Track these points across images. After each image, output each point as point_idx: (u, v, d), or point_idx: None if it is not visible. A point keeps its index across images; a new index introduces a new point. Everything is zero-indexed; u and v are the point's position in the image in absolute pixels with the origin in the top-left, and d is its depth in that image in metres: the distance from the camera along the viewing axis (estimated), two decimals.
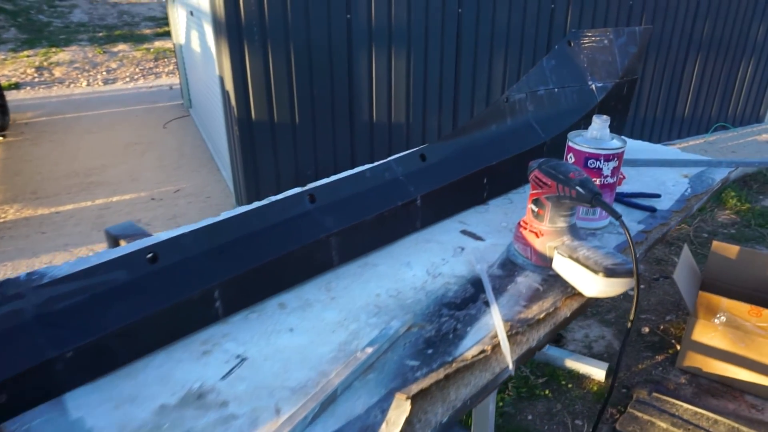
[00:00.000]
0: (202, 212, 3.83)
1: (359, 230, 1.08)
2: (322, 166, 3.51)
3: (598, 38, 1.56)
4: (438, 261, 1.09)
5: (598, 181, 1.17)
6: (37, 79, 7.97)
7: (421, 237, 1.19)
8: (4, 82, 7.58)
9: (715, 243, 2.51)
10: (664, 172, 1.58)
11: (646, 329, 2.68)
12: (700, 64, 4.78)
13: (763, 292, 2.37)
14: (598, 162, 1.15)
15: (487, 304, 0.95)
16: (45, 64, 8.36)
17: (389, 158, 1.19)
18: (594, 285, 0.91)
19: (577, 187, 0.94)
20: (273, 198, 1.15)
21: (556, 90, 1.48)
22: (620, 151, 1.16)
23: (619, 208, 1.32)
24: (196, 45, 4.61)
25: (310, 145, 3.45)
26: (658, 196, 1.39)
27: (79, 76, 8.13)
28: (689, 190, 1.44)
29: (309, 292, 0.99)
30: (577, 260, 0.94)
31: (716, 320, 2.16)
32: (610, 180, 1.18)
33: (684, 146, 4.98)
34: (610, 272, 0.89)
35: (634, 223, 1.25)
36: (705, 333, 2.20)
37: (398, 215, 1.15)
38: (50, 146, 5.29)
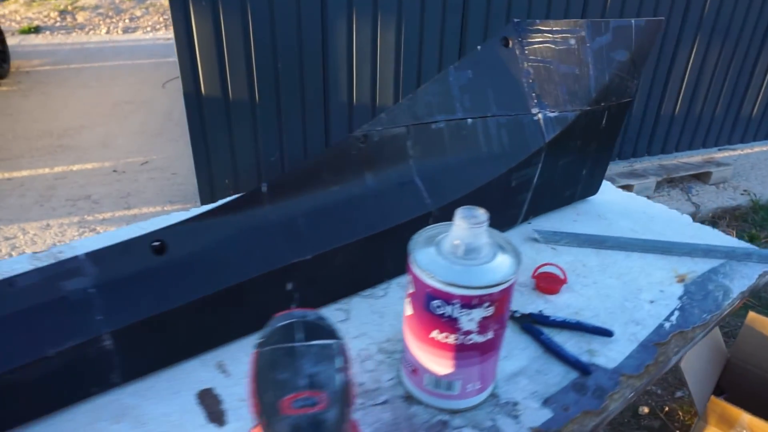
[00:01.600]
0: (161, 192, 3.40)
1: None
2: (290, 152, 2.98)
3: (558, 35, 0.93)
4: None
5: (451, 339, 0.60)
6: (58, 24, 7.72)
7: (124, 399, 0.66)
8: (24, 25, 7.36)
9: (751, 314, 1.85)
10: (648, 263, 0.97)
11: (646, 410, 2.06)
12: None
13: None
14: (451, 308, 0.58)
15: None
16: (70, 8, 8.09)
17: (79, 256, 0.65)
18: None
19: None
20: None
21: (468, 121, 0.88)
22: (503, 287, 0.58)
23: (524, 356, 0.74)
24: None
25: (274, 128, 2.92)
26: (608, 333, 0.79)
27: (101, 22, 7.82)
28: (674, 319, 0.83)
29: None
30: None
31: None
32: (477, 338, 0.60)
33: (748, 152, 4.12)
34: None
35: (534, 407, 0.67)
36: None
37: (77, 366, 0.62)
38: (39, 100, 4.98)
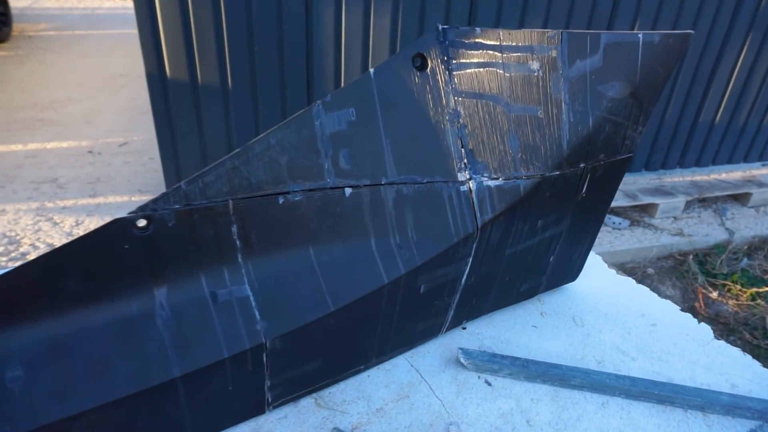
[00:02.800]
0: (133, 179, 3.14)
1: None
2: None
3: (512, 53, 0.57)
4: None
5: None
6: None
7: None
8: None
9: None
10: (634, 423, 0.62)
11: None
12: None
13: None
14: None
15: None
16: None
17: None
18: None
19: None
20: None
21: (347, 193, 0.54)
22: None
23: None
24: None
25: (250, 117, 2.59)
26: None
27: None
28: None
29: None
30: None
31: None
32: None
33: None
34: None
35: None
36: None
37: None
38: (33, 68, 4.76)
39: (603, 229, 2.77)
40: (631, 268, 2.74)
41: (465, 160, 0.59)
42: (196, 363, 0.50)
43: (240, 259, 0.54)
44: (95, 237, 0.47)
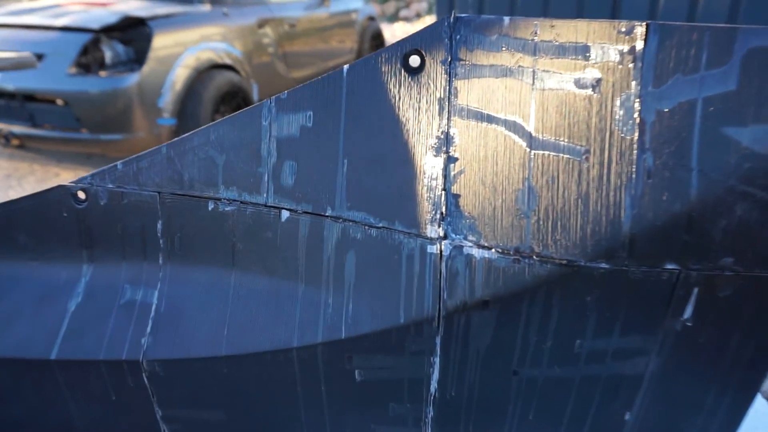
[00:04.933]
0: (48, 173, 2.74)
1: None
2: None
3: (552, 57, 0.37)
4: None
5: None
6: None
7: None
8: None
9: None
10: None
11: None
12: None
13: None
14: None
15: None
16: None
17: None
18: None
19: None
20: None
21: (283, 216, 0.44)
22: None
23: None
24: None
25: None
26: None
27: None
28: None
29: None
30: None
31: None
32: None
33: None
34: None
35: None
36: None
37: None
38: None
39: None
40: None
41: (443, 209, 0.39)
42: (74, 353, 0.46)
43: (161, 261, 0.48)
44: (42, 198, 0.49)
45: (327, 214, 0.43)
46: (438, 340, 0.40)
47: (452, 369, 0.42)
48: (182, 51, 2.39)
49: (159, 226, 0.47)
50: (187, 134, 0.46)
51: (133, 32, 2.37)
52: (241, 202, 0.45)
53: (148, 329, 0.46)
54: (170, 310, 0.47)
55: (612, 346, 0.39)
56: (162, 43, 2.32)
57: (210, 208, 0.46)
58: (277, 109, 0.44)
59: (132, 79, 2.22)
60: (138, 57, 2.32)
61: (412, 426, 0.46)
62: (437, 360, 0.41)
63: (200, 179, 0.46)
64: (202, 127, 0.46)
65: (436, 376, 0.42)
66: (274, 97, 0.44)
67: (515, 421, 0.44)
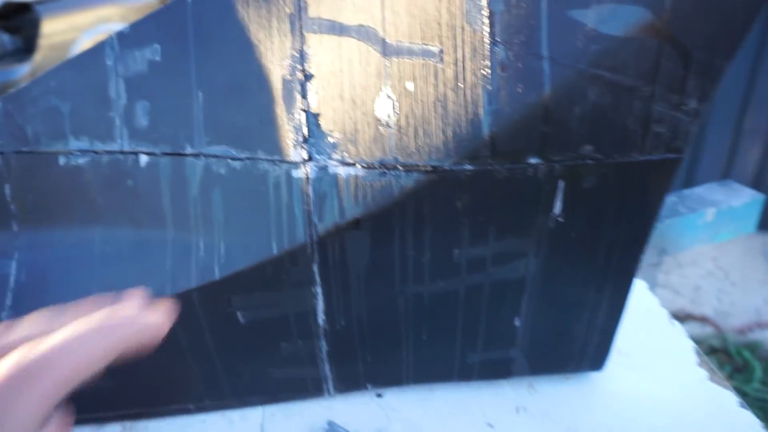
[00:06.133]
0: None
1: None
2: None
3: None
4: None
5: None
6: None
7: None
8: None
9: None
10: None
11: None
12: None
13: None
14: None
15: None
16: None
17: None
18: None
19: None
20: None
21: (142, 161, 0.40)
22: None
23: None
24: None
25: None
26: None
27: None
28: None
29: None
30: None
31: None
32: None
33: None
34: None
35: None
36: None
37: None
38: None
39: None
40: None
41: (304, 130, 0.37)
42: None
43: (15, 228, 0.43)
44: None
45: (187, 153, 0.40)
46: (315, 268, 0.39)
47: (336, 297, 0.40)
48: (78, 35, 2.23)
49: (7, 190, 0.43)
50: (24, 84, 0.42)
51: (18, 20, 2.19)
52: (95, 152, 0.41)
53: (8, 302, 0.42)
54: (32, 279, 0.43)
55: (490, 252, 0.39)
56: (52, 28, 2.15)
57: (62, 163, 0.42)
58: (121, 46, 0.40)
59: (24, 70, 2.06)
60: (27, 46, 2.15)
61: (308, 363, 0.44)
62: (319, 290, 0.40)
63: (46, 132, 0.42)
64: (41, 74, 0.41)
65: (321, 306, 0.41)
66: (115, 32, 0.40)
67: (410, 343, 0.44)
